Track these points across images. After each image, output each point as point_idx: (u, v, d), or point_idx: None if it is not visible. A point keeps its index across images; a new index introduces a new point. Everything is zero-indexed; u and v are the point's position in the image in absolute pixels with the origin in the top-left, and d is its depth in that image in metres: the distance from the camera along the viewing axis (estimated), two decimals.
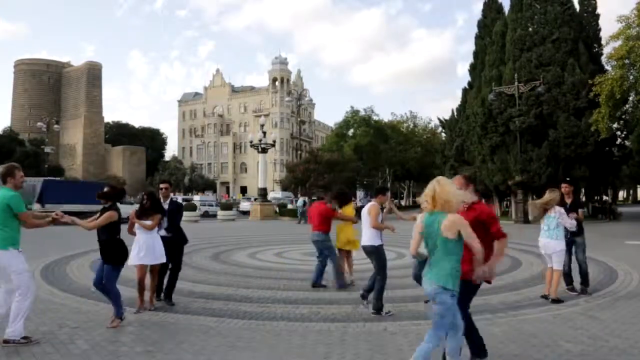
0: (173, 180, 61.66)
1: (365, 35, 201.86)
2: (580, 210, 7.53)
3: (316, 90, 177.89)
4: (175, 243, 6.61)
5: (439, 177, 3.78)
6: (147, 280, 6.31)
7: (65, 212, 5.36)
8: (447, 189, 3.63)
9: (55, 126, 60.48)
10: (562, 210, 6.96)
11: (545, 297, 6.84)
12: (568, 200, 7.45)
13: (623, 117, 28.39)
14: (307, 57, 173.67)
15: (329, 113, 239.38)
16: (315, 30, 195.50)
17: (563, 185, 7.59)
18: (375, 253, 6.25)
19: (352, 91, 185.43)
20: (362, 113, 55.51)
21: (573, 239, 7.41)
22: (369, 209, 6.38)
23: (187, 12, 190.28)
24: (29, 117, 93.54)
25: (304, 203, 30.32)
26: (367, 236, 6.31)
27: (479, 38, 35.70)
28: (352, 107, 55.99)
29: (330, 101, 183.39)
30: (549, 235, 6.89)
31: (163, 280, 6.66)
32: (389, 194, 6.83)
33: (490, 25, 34.36)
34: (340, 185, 24.90)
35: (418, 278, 6.29)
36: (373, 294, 6.14)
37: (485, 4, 36.07)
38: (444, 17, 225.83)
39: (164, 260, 6.25)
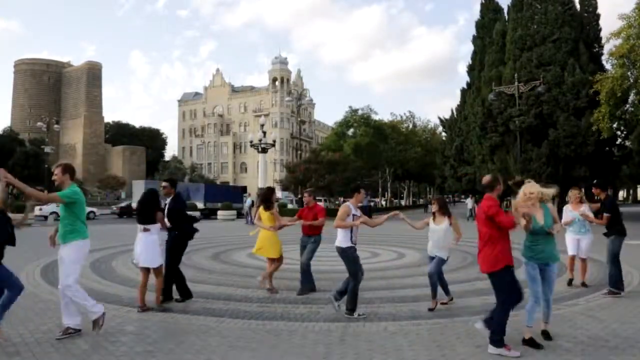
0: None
1: (365, 33, 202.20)
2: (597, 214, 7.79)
3: (316, 90, 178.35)
4: (176, 239, 6.71)
5: (531, 181, 4.96)
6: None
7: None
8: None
9: (55, 126, 60.26)
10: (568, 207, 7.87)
11: (584, 284, 7.61)
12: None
13: (623, 117, 28.36)
14: (306, 56, 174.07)
15: (329, 113, 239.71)
16: (315, 28, 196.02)
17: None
18: (344, 255, 6.10)
19: (352, 90, 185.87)
20: (361, 112, 55.43)
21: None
22: (341, 209, 6.19)
23: (188, 12, 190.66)
24: (29, 117, 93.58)
25: (252, 203, 27.28)
26: (338, 237, 6.14)
27: (477, 39, 35.72)
28: (350, 107, 56.00)
29: (330, 101, 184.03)
30: (588, 229, 7.90)
31: (170, 281, 6.67)
32: (363, 191, 6.49)
33: (488, 26, 34.37)
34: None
35: (432, 275, 6.25)
36: (347, 296, 6.04)
37: (482, 4, 36.08)
38: (445, 16, 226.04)
39: (154, 264, 6.11)
